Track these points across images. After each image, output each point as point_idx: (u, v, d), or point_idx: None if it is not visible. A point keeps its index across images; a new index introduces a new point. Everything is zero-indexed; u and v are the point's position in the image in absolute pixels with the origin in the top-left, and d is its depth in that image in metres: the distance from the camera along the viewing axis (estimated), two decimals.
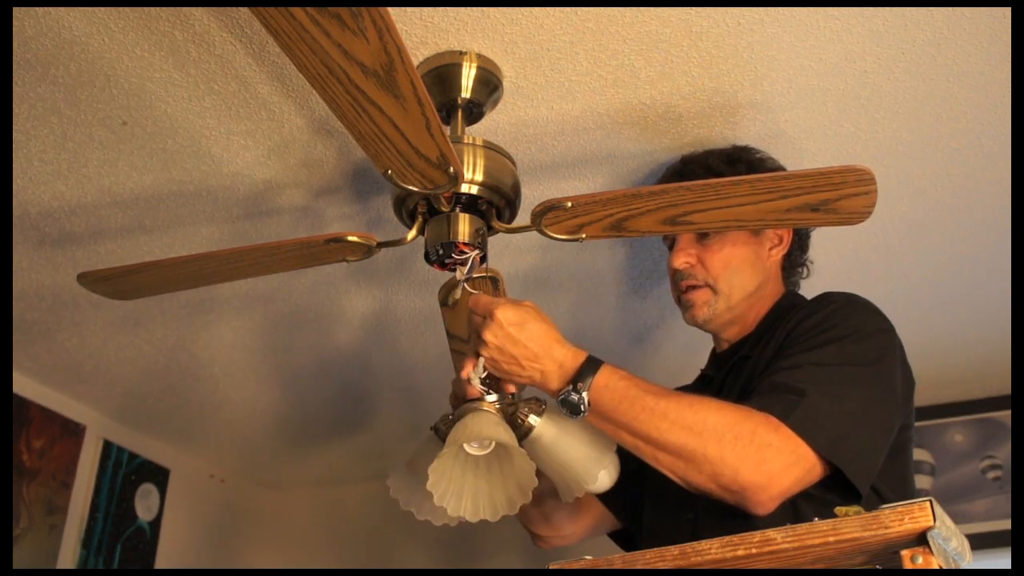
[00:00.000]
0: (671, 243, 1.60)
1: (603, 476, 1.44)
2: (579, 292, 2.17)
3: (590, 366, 1.31)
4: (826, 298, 1.45)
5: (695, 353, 1.75)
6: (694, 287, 1.54)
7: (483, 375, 1.34)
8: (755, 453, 1.22)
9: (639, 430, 1.28)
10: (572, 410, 1.31)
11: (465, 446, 1.26)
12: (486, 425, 1.28)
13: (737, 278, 1.52)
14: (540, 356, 1.32)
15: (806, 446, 1.23)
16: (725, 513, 1.29)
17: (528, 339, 1.31)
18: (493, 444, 1.28)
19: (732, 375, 1.51)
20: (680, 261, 1.54)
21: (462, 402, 1.39)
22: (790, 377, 1.31)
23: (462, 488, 1.25)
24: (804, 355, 1.34)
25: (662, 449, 1.27)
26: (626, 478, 1.62)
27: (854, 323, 1.38)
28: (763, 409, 1.26)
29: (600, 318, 2.26)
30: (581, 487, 1.41)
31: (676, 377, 1.70)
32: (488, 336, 1.31)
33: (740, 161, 1.58)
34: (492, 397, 1.37)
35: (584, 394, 1.29)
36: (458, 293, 1.48)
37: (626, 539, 1.71)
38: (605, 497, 1.62)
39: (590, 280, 2.13)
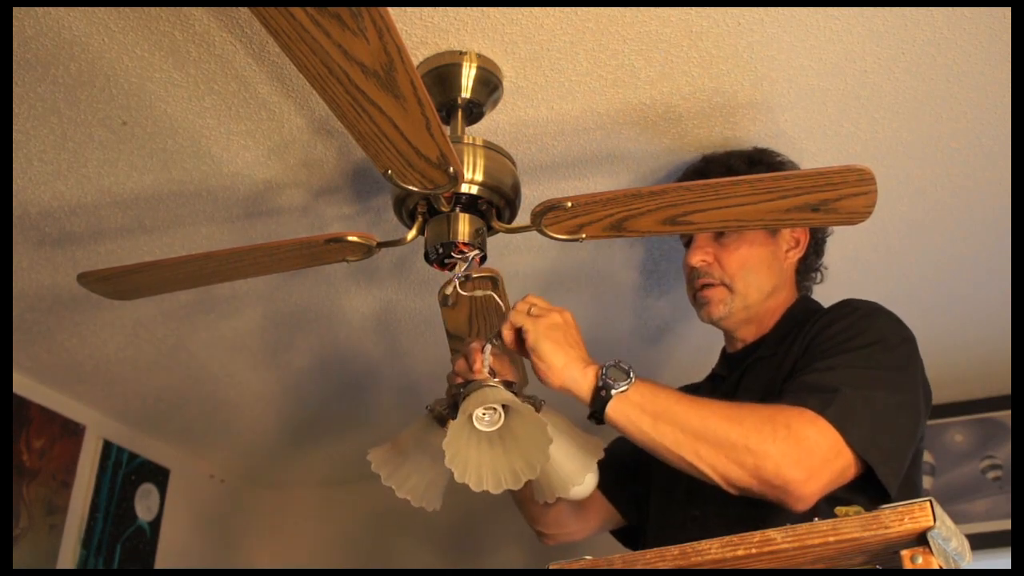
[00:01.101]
0: (688, 241, 1.59)
1: (589, 479, 1.43)
2: (579, 292, 2.16)
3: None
4: (849, 304, 1.43)
5: (708, 353, 1.75)
6: (710, 285, 1.53)
7: (490, 361, 1.34)
8: (795, 446, 1.20)
9: (681, 418, 1.25)
10: (619, 377, 1.27)
11: (475, 421, 1.26)
12: (499, 393, 1.28)
13: (753, 278, 1.52)
14: (583, 349, 1.33)
15: (843, 441, 1.22)
16: (733, 511, 1.28)
17: (577, 334, 1.34)
18: (501, 421, 1.27)
19: (748, 376, 1.50)
20: (697, 259, 1.53)
21: (462, 386, 1.37)
22: (821, 377, 1.29)
23: (467, 459, 1.24)
24: (833, 359, 1.33)
25: (703, 440, 1.24)
26: (632, 474, 1.62)
27: (880, 331, 1.37)
28: (798, 404, 1.25)
29: (602, 318, 2.26)
30: (566, 488, 1.40)
31: (685, 378, 1.71)
32: (556, 317, 1.32)
33: (761, 163, 1.57)
34: (496, 380, 1.36)
35: (631, 369, 1.28)
36: (450, 289, 1.47)
37: (629, 536, 1.71)
38: (610, 494, 1.62)
39: (591, 280, 2.13)
